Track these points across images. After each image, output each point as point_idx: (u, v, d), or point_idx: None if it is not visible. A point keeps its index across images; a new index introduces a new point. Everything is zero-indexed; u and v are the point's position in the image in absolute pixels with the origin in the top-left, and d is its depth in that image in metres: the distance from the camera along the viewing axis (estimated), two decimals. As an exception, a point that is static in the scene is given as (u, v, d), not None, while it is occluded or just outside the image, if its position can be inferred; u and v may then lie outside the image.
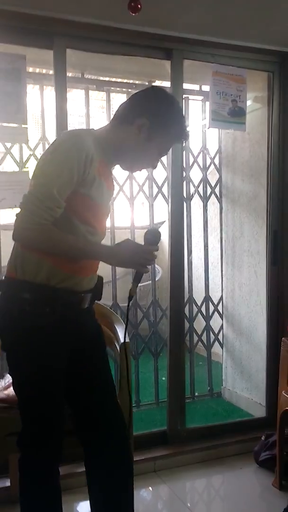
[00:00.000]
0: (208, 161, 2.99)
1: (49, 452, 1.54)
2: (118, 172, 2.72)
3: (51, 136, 2.44)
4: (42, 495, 1.55)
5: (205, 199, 2.98)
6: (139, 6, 2.04)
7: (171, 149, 2.49)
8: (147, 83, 2.92)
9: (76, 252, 1.46)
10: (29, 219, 1.37)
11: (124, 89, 2.90)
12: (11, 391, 1.77)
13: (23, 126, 2.23)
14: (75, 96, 2.91)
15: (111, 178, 1.61)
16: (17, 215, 1.39)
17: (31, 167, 2.66)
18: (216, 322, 3.14)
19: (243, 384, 3.00)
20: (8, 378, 1.96)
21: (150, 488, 2.29)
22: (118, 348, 1.90)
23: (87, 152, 1.41)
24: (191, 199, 2.88)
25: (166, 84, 2.63)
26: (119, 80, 2.96)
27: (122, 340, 1.85)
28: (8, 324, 1.49)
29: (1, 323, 1.51)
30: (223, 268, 3.14)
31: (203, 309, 3.06)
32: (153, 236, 1.53)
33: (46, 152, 1.51)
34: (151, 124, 1.50)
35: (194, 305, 3.01)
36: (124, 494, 1.66)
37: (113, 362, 2.40)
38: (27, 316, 1.45)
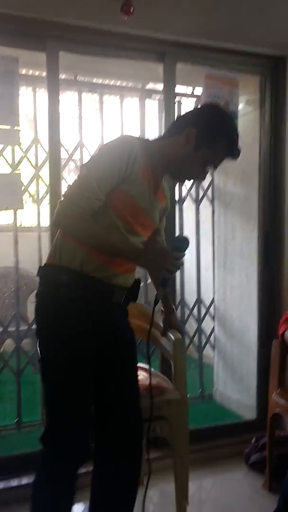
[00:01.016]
0: (201, 164, 3.00)
1: (71, 453, 1.52)
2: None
3: (44, 138, 2.44)
4: (53, 497, 1.53)
5: (197, 202, 2.99)
6: (131, 9, 2.05)
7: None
8: (140, 86, 2.93)
9: (106, 245, 1.50)
10: (68, 207, 1.46)
11: (117, 92, 2.91)
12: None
13: (15, 128, 2.24)
14: (68, 98, 2.92)
15: (160, 189, 1.66)
16: (60, 202, 1.48)
17: (23, 169, 2.66)
18: (207, 324, 3.15)
19: (234, 386, 3.01)
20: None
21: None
22: (168, 345, 1.98)
23: (130, 151, 1.49)
24: (183, 202, 2.89)
25: (159, 86, 2.65)
26: (112, 83, 2.97)
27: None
28: (43, 305, 1.55)
29: (38, 303, 1.57)
30: (215, 270, 3.15)
31: (195, 311, 3.06)
32: (180, 242, 1.52)
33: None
34: (198, 133, 1.54)
35: (186, 308, 3.02)
36: (124, 499, 1.65)
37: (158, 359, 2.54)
38: (62, 297, 1.51)
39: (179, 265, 1.51)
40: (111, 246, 1.49)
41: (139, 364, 1.92)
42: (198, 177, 1.67)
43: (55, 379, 1.53)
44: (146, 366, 1.98)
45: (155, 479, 1.96)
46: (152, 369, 2.20)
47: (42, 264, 1.62)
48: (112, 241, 1.50)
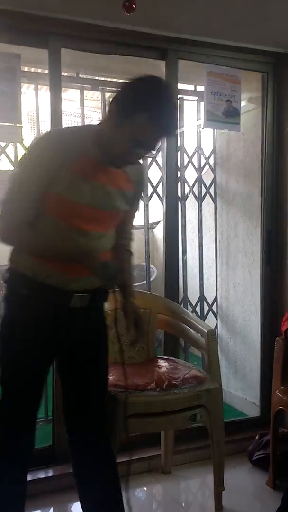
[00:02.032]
0: (203, 161, 2.99)
1: (8, 447, 1.58)
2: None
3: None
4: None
5: (199, 199, 2.98)
6: (133, 5, 2.05)
7: (165, 149, 2.55)
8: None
9: (49, 250, 1.49)
10: (2, 222, 1.47)
11: (119, 89, 2.89)
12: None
13: (17, 125, 2.23)
14: (70, 95, 2.91)
15: (114, 173, 1.52)
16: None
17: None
18: (210, 322, 3.13)
19: (237, 383, 3.01)
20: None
21: (145, 488, 2.30)
22: (200, 338, 2.13)
23: (55, 151, 1.42)
24: (186, 199, 2.88)
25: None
26: (114, 80, 2.96)
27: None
28: (3, 310, 1.57)
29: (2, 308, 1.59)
30: (217, 268, 3.14)
31: (198, 309, 3.06)
32: (104, 269, 1.45)
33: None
34: (115, 107, 1.40)
35: (188, 305, 3.01)
36: (109, 490, 1.68)
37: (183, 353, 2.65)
38: (16, 305, 1.54)
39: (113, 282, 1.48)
40: (52, 248, 1.48)
41: (170, 357, 2.23)
42: (128, 158, 1.46)
43: (3, 378, 1.59)
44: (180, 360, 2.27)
45: (194, 468, 2.36)
46: (183, 361, 2.41)
47: None
48: (52, 244, 1.48)
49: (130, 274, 1.72)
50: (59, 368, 1.70)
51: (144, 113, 1.36)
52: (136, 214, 1.75)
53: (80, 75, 2.74)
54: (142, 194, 1.74)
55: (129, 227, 1.74)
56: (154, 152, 1.52)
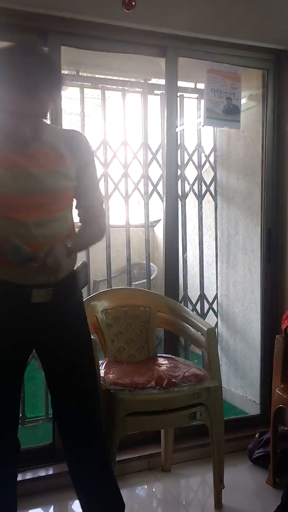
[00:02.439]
0: (203, 159, 2.99)
1: None
2: (114, 170, 2.74)
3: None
4: None
5: (200, 197, 2.97)
6: (133, 3, 2.03)
7: (165, 147, 2.54)
8: (142, 81, 2.91)
9: None
10: None
11: (119, 87, 2.89)
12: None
13: None
14: (70, 94, 2.90)
15: (31, 158, 1.45)
16: None
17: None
18: (210, 320, 3.13)
19: (237, 382, 3.01)
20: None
21: (145, 486, 2.30)
22: (200, 336, 2.16)
23: None
24: (186, 197, 2.88)
25: (161, 81, 2.63)
26: (114, 77, 2.95)
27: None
28: None
29: None
30: (218, 266, 3.14)
31: (198, 307, 3.05)
32: (13, 253, 1.40)
33: None
34: None
35: (189, 303, 3.01)
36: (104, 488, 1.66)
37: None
38: None
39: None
40: None
41: (170, 356, 2.25)
42: (19, 132, 1.41)
43: None
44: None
45: (194, 466, 2.38)
46: (183, 359, 2.41)
47: None
48: None
49: (83, 246, 1.65)
50: (43, 368, 1.65)
51: None
52: (92, 184, 1.62)
53: (80, 73, 2.74)
54: (88, 163, 1.58)
55: (89, 200, 1.62)
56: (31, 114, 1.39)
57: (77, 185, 1.56)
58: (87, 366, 1.63)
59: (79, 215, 1.66)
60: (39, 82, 1.35)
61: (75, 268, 1.60)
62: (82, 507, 1.69)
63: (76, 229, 1.63)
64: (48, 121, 1.47)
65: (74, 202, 1.63)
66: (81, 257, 1.70)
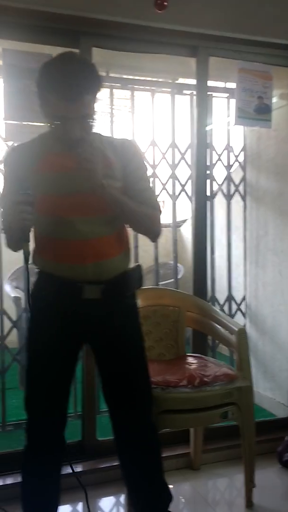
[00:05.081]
0: (232, 159, 2.97)
1: (34, 440, 1.61)
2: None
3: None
4: (28, 485, 1.65)
5: (228, 197, 2.96)
6: (165, 3, 2.05)
7: (194, 147, 2.53)
8: (170, 81, 2.92)
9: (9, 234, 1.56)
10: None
11: (148, 87, 2.90)
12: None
13: (48, 124, 2.25)
14: (100, 95, 2.92)
15: (75, 159, 1.49)
16: None
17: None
18: (238, 321, 3.09)
19: (266, 384, 2.97)
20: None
21: (174, 485, 2.29)
22: (230, 336, 2.16)
23: (12, 167, 1.58)
24: (214, 197, 2.87)
25: (191, 81, 2.63)
26: (143, 78, 2.96)
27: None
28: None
29: None
30: (246, 267, 3.11)
31: (226, 308, 3.04)
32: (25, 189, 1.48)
33: None
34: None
35: (216, 304, 2.99)
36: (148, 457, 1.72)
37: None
38: (32, 298, 1.59)
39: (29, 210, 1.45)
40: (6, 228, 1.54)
41: (200, 355, 2.26)
42: (66, 136, 1.48)
43: (27, 374, 1.64)
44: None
45: (222, 467, 2.38)
46: (213, 359, 2.40)
47: None
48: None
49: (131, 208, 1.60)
50: (96, 362, 1.72)
51: (40, 91, 1.48)
52: (143, 186, 1.64)
53: (110, 74, 2.76)
54: (135, 163, 1.63)
55: (140, 198, 1.62)
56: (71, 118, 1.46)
57: (126, 186, 1.61)
58: (135, 370, 1.66)
59: None
60: (80, 85, 1.43)
61: (127, 269, 1.64)
62: (132, 500, 1.77)
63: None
64: (94, 124, 1.54)
65: None
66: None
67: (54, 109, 1.46)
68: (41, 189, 1.51)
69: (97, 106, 1.55)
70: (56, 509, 1.68)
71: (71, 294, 1.55)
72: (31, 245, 1.55)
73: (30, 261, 1.56)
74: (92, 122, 1.51)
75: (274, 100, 2.58)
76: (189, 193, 2.70)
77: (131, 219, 1.63)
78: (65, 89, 1.42)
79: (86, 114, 1.48)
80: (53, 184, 1.53)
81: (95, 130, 1.56)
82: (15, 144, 1.77)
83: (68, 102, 1.43)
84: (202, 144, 2.52)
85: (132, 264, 1.68)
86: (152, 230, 1.68)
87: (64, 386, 1.64)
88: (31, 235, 1.53)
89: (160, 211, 1.68)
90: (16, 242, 1.51)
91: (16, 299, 3.06)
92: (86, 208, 1.53)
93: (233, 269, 3.03)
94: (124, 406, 1.66)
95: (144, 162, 1.71)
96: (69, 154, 1.51)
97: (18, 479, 2.13)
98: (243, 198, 3.06)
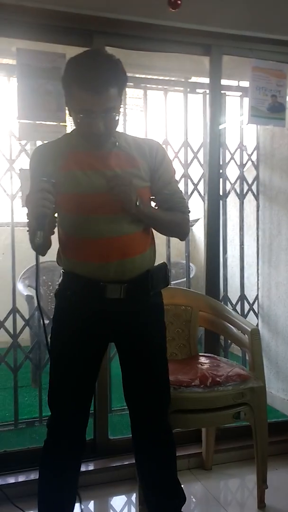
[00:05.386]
0: (245, 158, 2.95)
1: (56, 437, 1.62)
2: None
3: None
4: (46, 480, 1.65)
5: (241, 196, 2.94)
6: (179, 2, 2.04)
7: (207, 146, 2.52)
8: (183, 80, 2.91)
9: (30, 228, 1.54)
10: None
11: (160, 86, 2.89)
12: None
13: (61, 124, 2.26)
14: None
15: (106, 160, 1.55)
16: None
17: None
18: (251, 321, 3.06)
19: (278, 384, 2.95)
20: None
21: (185, 485, 2.28)
22: (243, 336, 2.16)
23: (38, 165, 1.58)
24: (227, 196, 2.85)
25: (204, 80, 2.62)
26: (156, 77, 2.96)
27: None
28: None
29: None
30: (259, 266, 3.09)
31: (238, 308, 3.02)
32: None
33: None
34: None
35: (229, 304, 2.98)
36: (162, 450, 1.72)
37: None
38: (56, 298, 1.64)
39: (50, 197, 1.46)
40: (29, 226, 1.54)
41: (212, 355, 2.25)
42: (93, 133, 1.48)
43: (51, 373, 1.65)
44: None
45: (234, 467, 2.38)
46: (226, 359, 2.39)
47: None
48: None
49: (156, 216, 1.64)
50: (119, 361, 1.72)
51: (65, 86, 1.50)
52: (172, 188, 1.67)
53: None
54: (162, 164, 1.64)
55: (166, 196, 1.66)
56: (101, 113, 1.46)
57: (154, 189, 1.64)
58: (156, 371, 1.67)
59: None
60: (105, 77, 1.44)
61: (152, 267, 1.64)
62: (146, 497, 1.77)
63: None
64: (118, 121, 1.55)
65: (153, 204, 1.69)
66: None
67: (79, 102, 1.46)
68: (66, 187, 1.53)
69: (121, 104, 1.55)
70: (72, 506, 1.68)
71: (94, 294, 1.55)
72: (55, 245, 1.59)
73: (51, 259, 1.60)
74: (117, 118, 1.51)
75: (288, 98, 2.56)
76: (202, 192, 2.68)
77: (161, 229, 1.69)
78: (90, 81, 1.43)
79: (111, 108, 1.47)
80: (77, 183, 1.53)
81: (119, 129, 1.58)
82: (40, 144, 1.78)
83: (93, 93, 1.43)
84: (215, 143, 2.51)
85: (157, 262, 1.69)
86: (182, 234, 1.74)
87: (89, 386, 1.65)
88: (55, 237, 1.58)
89: (189, 211, 1.71)
90: (34, 232, 1.49)
91: (29, 298, 3.08)
92: (110, 207, 1.53)
93: (245, 269, 3.01)
94: (144, 406, 1.66)
95: (172, 164, 1.73)
96: (94, 152, 1.53)
97: (31, 476, 2.15)
98: (256, 197, 3.04)
